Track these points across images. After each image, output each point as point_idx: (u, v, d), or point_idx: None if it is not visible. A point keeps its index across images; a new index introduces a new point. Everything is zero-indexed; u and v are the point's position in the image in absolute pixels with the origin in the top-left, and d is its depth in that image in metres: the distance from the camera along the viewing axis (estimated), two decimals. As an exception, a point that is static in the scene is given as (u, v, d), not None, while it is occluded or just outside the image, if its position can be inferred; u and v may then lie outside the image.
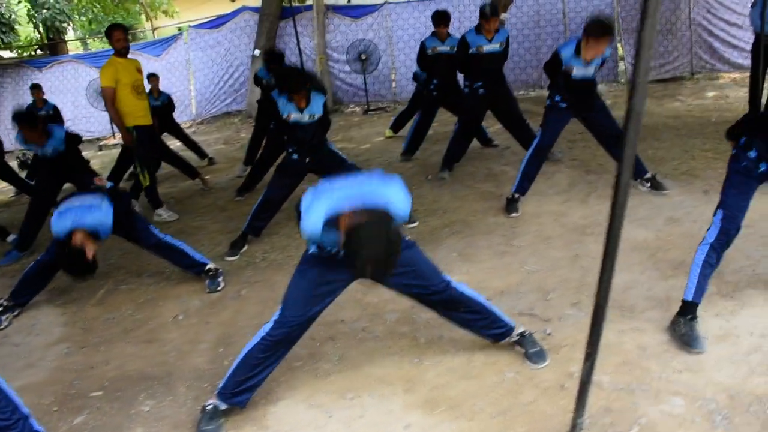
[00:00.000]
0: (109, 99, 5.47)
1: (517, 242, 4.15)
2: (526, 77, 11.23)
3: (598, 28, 4.20)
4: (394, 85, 11.68)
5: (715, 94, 9.19)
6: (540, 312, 3.21)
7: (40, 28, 13.27)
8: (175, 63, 12.47)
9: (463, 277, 3.73)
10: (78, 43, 17.88)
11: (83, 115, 12.58)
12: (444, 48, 6.31)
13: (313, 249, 2.53)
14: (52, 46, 14.28)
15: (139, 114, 5.61)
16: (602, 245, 1.64)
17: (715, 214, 2.88)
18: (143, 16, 16.25)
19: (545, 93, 11.04)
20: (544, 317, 3.16)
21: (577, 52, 4.37)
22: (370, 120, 10.44)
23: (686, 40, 10.47)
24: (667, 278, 3.40)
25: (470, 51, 5.47)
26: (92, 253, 3.43)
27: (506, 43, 5.57)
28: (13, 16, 12.90)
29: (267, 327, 2.56)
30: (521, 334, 2.82)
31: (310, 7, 11.79)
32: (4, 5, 12.53)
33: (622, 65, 11.06)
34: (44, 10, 12.47)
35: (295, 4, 12.83)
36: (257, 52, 11.39)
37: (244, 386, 2.59)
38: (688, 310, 2.84)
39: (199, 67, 12.31)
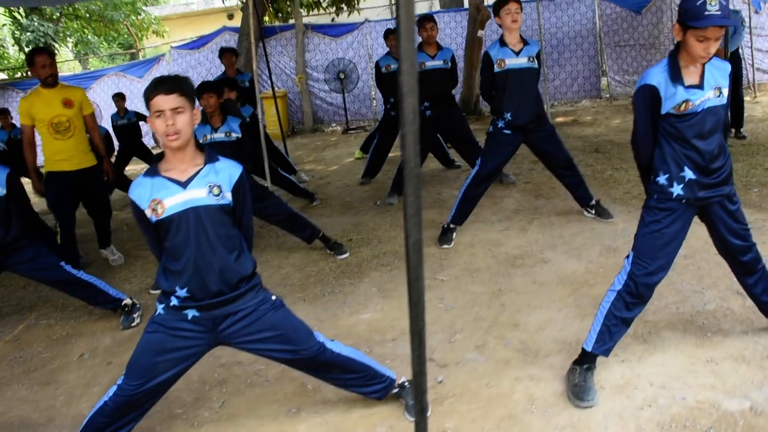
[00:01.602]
0: (25, 139, 4.69)
1: (443, 275, 3.95)
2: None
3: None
4: (374, 103, 11.55)
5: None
6: (439, 356, 3.00)
7: (26, 51, 13.28)
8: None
9: (376, 315, 3.55)
10: (73, 63, 18.02)
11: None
12: (397, 66, 6.15)
13: (160, 309, 2.33)
14: (41, 68, 14.32)
15: (55, 158, 4.64)
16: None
17: (627, 256, 2.65)
18: (138, 35, 16.27)
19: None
20: (442, 362, 2.95)
21: (502, 42, 4.18)
22: (347, 140, 10.31)
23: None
24: (584, 317, 3.18)
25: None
26: None
27: (452, 62, 5.38)
28: (-1, 39, 12.99)
29: (110, 392, 2.35)
30: (402, 385, 2.61)
31: (290, 27, 11.74)
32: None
33: (604, 80, 10.85)
34: (28, 33, 12.48)
35: (276, 23, 12.86)
36: (236, 71, 11.33)
37: None
38: (586, 359, 2.62)
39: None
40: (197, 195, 2.19)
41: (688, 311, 3.13)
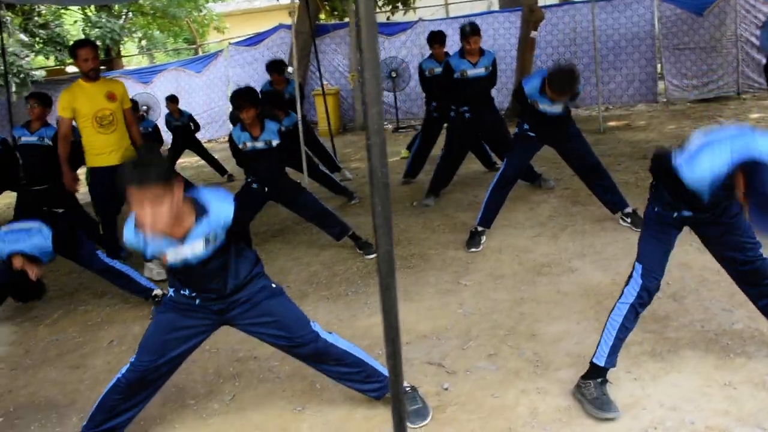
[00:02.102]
0: (61, 131, 4.59)
1: (466, 280, 3.91)
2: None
3: (559, 84, 3.90)
4: (425, 103, 11.50)
5: (759, 115, 8.56)
6: (450, 363, 2.98)
7: (98, 46, 13.88)
8: (215, 79, 12.75)
9: (395, 317, 3.54)
10: (140, 57, 18.70)
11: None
12: (441, 69, 6.12)
13: (171, 292, 2.44)
14: (109, 62, 14.93)
15: (98, 152, 4.59)
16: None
17: (633, 267, 2.58)
18: (199, 32, 16.73)
19: (581, 113, 10.88)
20: (452, 369, 2.92)
21: (542, 89, 4.10)
22: (396, 138, 10.29)
23: (732, 58, 9.80)
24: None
25: (455, 75, 5.27)
26: (35, 276, 3.47)
27: (493, 67, 5.31)
28: (68, 35, 13.55)
29: (123, 369, 2.47)
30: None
31: (344, 25, 11.82)
32: (57, 23, 13.19)
33: (661, 84, 10.47)
34: (96, 29, 13.01)
35: (332, 21, 12.97)
36: (291, 69, 11.47)
37: (103, 427, 2.50)
38: (599, 373, 2.55)
39: (238, 83, 12.49)
40: (195, 250, 2.27)
41: (714, 329, 3.00)
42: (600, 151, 4.86)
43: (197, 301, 2.39)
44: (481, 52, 5.31)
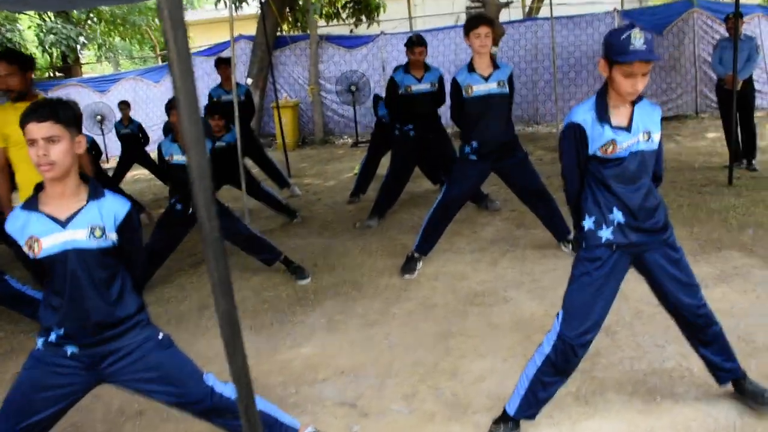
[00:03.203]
0: None
1: (396, 309, 3.72)
2: (521, 113, 10.76)
3: (472, 20, 3.94)
4: (386, 117, 11.39)
5: (715, 135, 8.55)
6: (364, 403, 2.78)
7: (54, 53, 13.45)
8: (171, 90, 12.45)
9: (316, 350, 3.35)
10: (105, 65, 18.31)
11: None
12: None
13: (39, 344, 2.16)
14: (66, 70, 14.56)
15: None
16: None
17: (557, 314, 2.41)
18: (159, 40, 16.40)
19: (541, 129, 10.84)
20: (364, 411, 2.72)
21: (471, 68, 4.00)
22: (354, 153, 10.14)
23: (690, 77, 9.85)
24: (529, 368, 2.92)
25: (399, 91, 5.12)
26: None
27: (439, 84, 5.18)
28: (21, 41, 13.15)
29: None
30: (306, 437, 2.40)
31: (305, 37, 11.66)
32: (9, 29, 12.78)
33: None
34: (51, 35, 12.64)
35: (295, 32, 12.81)
36: (249, 80, 11.28)
37: None
38: (508, 420, 2.38)
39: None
40: (77, 236, 2.02)
41: (643, 369, 2.85)
42: (554, 171, 4.71)
43: (68, 351, 2.11)
44: (427, 68, 5.20)
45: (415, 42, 5.09)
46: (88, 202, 2.05)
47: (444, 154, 5.22)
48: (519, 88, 10.73)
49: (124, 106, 8.36)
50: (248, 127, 6.77)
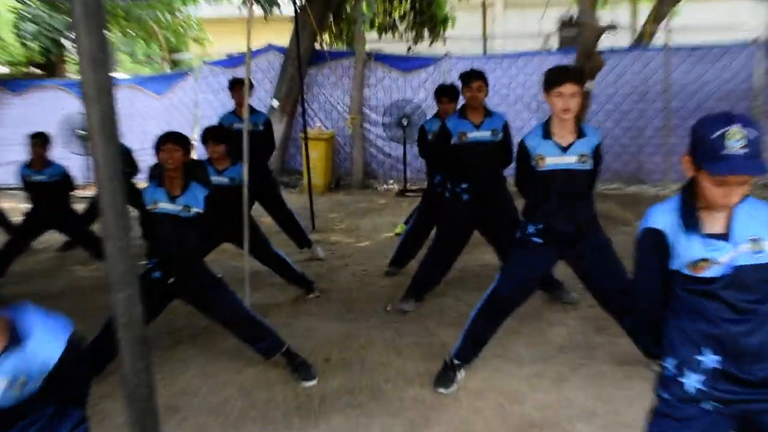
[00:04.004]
0: None
1: (422, 435, 3.63)
2: (621, 167, 10.65)
3: (556, 73, 3.78)
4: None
5: None
6: None
7: (34, 46, 13.78)
8: (180, 105, 12.87)
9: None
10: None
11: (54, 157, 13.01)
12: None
13: None
14: (48, 68, 15.09)
15: None
16: None
17: None
18: (173, 41, 17.01)
19: (647, 189, 10.60)
20: None
21: (546, 132, 3.88)
22: (399, 205, 10.19)
23: None
24: None
25: (452, 141, 5.12)
26: None
27: (504, 134, 5.15)
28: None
29: None
30: None
31: (348, 54, 11.90)
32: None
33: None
34: (32, 24, 13.08)
35: (340, 47, 13.09)
36: (275, 102, 11.53)
37: None
38: None
39: (207, 112, 12.56)
40: None
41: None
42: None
43: None
44: (487, 112, 5.20)
45: (470, 75, 5.11)
46: (6, 350, 2.04)
47: (505, 227, 5.12)
48: (619, 134, 10.70)
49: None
50: (264, 165, 6.83)
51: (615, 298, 4.05)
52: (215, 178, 5.36)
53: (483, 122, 5.15)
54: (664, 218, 2.15)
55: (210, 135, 5.64)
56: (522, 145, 3.96)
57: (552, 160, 3.85)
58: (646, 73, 10.67)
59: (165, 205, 4.21)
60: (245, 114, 5.65)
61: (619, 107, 10.65)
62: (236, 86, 7.06)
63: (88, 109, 1.11)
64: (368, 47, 12.18)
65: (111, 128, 1.10)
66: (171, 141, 4.20)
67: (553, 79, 3.73)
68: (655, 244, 2.16)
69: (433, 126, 6.27)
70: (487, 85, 5.16)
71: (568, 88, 3.67)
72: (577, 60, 9.87)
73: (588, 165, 3.88)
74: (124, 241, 1.14)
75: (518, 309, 4.29)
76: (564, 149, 3.84)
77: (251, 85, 7.15)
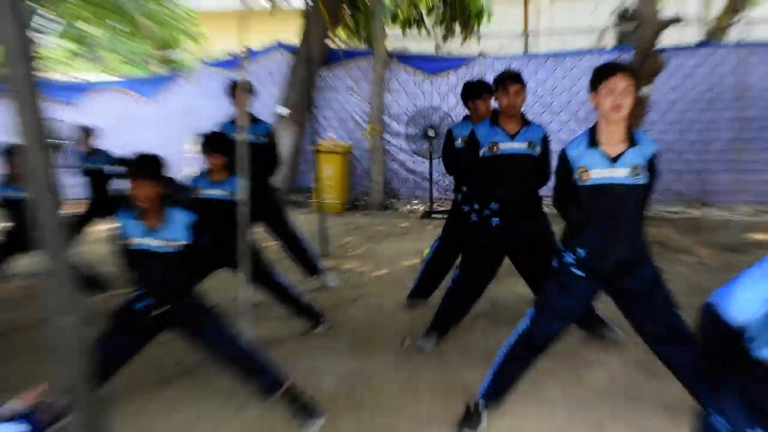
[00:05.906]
0: None
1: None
2: (682, 187, 10.74)
3: (604, 67, 3.86)
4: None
5: None
6: None
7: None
8: (169, 110, 13.22)
9: None
10: (83, 64, 19.33)
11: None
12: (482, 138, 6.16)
13: None
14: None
15: None
16: None
17: None
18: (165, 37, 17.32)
19: (712, 213, 10.51)
20: None
21: (592, 140, 3.94)
22: (424, 228, 10.36)
23: None
24: None
25: (481, 152, 5.22)
26: None
27: (543, 148, 5.24)
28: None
29: None
30: None
31: (366, 53, 12.09)
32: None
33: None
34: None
35: (359, 45, 13.31)
36: (283, 110, 11.72)
37: None
38: None
39: (204, 120, 12.71)
40: None
41: None
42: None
43: None
44: (525, 122, 5.23)
45: (507, 77, 5.10)
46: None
47: (540, 254, 5.25)
48: (683, 149, 10.76)
49: (86, 133, 8.77)
50: (266, 182, 7.02)
51: (666, 339, 4.08)
52: (207, 191, 5.64)
53: (519, 132, 5.16)
54: None
55: (210, 144, 5.77)
56: (563, 155, 4.00)
57: (598, 173, 3.86)
58: (717, 75, 10.72)
59: (142, 241, 4.31)
60: (243, 122, 5.72)
61: (684, 116, 10.75)
62: (237, 91, 7.27)
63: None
64: (390, 45, 12.36)
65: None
66: (141, 175, 4.20)
67: (602, 72, 3.81)
68: None
69: (463, 131, 6.14)
70: (525, 88, 5.15)
71: (620, 82, 3.73)
72: (634, 60, 10.01)
73: (641, 179, 3.86)
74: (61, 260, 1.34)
75: (553, 347, 4.45)
76: (613, 160, 3.86)
77: (252, 89, 7.36)
